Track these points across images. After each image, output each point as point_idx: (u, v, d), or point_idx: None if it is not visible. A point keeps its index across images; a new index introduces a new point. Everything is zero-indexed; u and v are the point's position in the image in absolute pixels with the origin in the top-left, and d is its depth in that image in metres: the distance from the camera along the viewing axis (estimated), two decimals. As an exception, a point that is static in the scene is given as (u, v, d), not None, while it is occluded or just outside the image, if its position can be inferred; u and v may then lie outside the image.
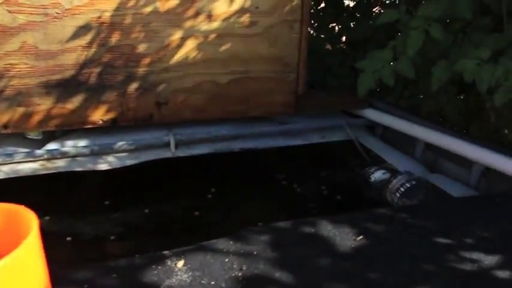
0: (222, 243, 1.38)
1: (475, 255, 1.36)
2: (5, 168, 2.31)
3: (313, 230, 1.43)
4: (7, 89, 2.25)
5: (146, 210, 2.29)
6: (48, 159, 2.37)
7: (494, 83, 2.00)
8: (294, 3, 2.44)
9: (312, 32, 3.33)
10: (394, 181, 2.15)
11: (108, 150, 2.40)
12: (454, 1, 2.15)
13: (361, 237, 1.40)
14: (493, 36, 2.13)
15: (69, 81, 2.30)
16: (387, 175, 2.44)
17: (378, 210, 1.58)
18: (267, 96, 2.54)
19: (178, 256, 1.35)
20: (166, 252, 1.38)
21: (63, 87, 2.30)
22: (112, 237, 2.09)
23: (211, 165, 2.58)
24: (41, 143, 2.46)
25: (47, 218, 2.19)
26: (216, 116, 2.53)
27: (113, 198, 2.40)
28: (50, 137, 2.50)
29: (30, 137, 2.50)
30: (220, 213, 2.25)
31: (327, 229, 1.44)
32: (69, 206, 2.33)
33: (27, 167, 2.33)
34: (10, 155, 2.32)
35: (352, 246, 1.37)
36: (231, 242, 1.37)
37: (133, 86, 2.38)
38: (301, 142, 2.62)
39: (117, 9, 2.25)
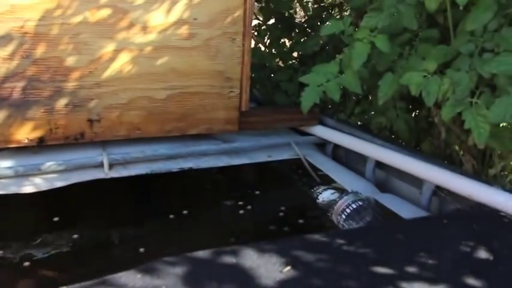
0: (128, 277, 1.16)
1: (417, 287, 1.18)
2: None
3: (235, 261, 1.22)
4: None
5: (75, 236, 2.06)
6: (-34, 182, 2.12)
7: (441, 97, 1.85)
8: (236, 14, 2.26)
9: (262, 48, 3.17)
10: (340, 202, 1.96)
11: (35, 172, 2.16)
12: (400, 12, 2.00)
13: (288, 268, 1.20)
14: (440, 48, 1.98)
15: (-12, 96, 2.07)
16: (335, 195, 2.25)
17: (312, 236, 1.38)
18: (208, 113, 2.34)
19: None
20: (64, 289, 1.16)
21: (-19, 103, 2.07)
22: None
23: (150, 186, 2.36)
24: (-39, 165, 2.22)
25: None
26: (154, 133, 2.31)
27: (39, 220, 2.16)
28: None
29: (-50, 157, 2.25)
30: (153, 238, 2.01)
31: (252, 259, 1.24)
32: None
33: None
34: None
35: (278, 279, 1.17)
36: (139, 276, 1.16)
37: (62, 102, 2.14)
38: (246, 161, 2.42)
39: (42, 18, 2.01)
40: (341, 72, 2.19)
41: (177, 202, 2.24)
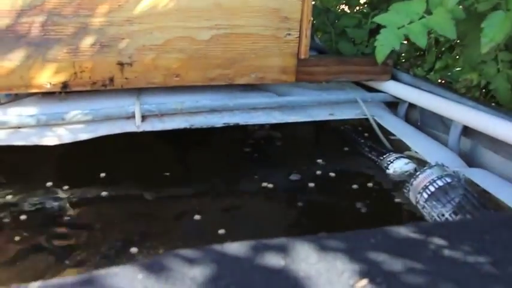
0: (125, 276, 0.78)
1: None
2: None
3: (282, 263, 0.81)
4: None
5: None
6: (-16, 130, 1.80)
7: None
8: None
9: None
10: (421, 176, 1.49)
11: (58, 121, 1.81)
12: None
13: (363, 283, 0.78)
14: None
15: (4, 33, 1.69)
16: (411, 166, 1.78)
17: (395, 229, 0.93)
18: (260, 59, 1.88)
19: None
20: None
21: (-2, 40, 1.71)
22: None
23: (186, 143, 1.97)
24: (-19, 111, 1.90)
25: None
26: (194, 81, 1.88)
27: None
28: (-8, 103, 1.94)
29: (-32, 102, 1.94)
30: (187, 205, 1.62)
31: (308, 262, 0.83)
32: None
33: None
34: None
35: (348, 302, 0.75)
36: (139, 277, 0.77)
37: (87, 41, 1.75)
38: (304, 118, 1.96)
39: None
40: (428, 11, 1.68)
41: (215, 167, 1.85)
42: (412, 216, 1.52)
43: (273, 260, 0.81)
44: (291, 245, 0.85)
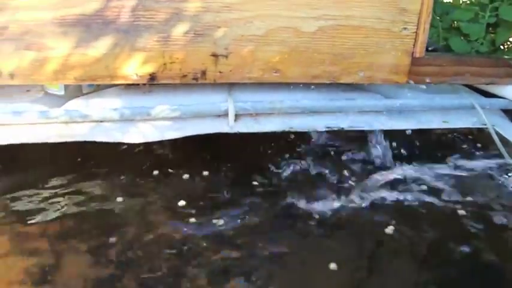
0: None
1: None
2: (10, 130, 1.62)
3: None
4: (12, 25, 1.52)
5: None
6: (65, 123, 1.65)
7: None
8: None
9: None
10: None
11: (143, 116, 1.63)
12: None
13: None
14: None
15: (92, 19, 1.52)
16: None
17: None
18: (370, 56, 1.62)
19: None
20: None
21: (84, 27, 1.51)
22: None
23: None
24: (63, 100, 1.75)
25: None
26: (296, 78, 1.65)
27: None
28: (75, 93, 1.79)
29: (50, 91, 1.79)
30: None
31: None
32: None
33: (37, 131, 1.63)
34: (18, 113, 1.63)
35: None
36: None
37: (180, 29, 1.56)
38: (414, 126, 1.71)
39: None
40: None
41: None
42: None
43: None
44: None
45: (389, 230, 1.41)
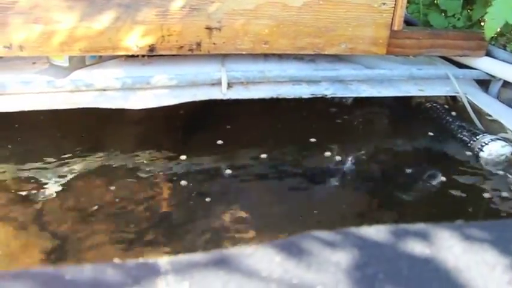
0: (263, 256, 0.71)
1: None
2: (20, 98, 1.75)
3: (428, 252, 0.73)
4: (21, 0, 1.65)
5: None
6: (71, 91, 1.78)
7: None
8: None
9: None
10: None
11: (143, 85, 1.77)
12: None
13: None
14: None
15: (96, -7, 1.66)
16: (508, 149, 1.66)
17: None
18: (352, 29, 1.76)
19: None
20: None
21: (88, 1, 1.64)
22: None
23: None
24: (67, 72, 1.88)
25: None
26: (283, 49, 1.79)
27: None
28: (79, 64, 1.91)
29: (55, 63, 1.92)
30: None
31: (453, 252, 0.74)
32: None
33: (46, 99, 1.76)
34: (27, 83, 1.76)
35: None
36: (277, 259, 0.71)
37: (177, 4, 1.68)
38: (393, 93, 1.85)
39: None
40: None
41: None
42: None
43: (417, 247, 0.73)
44: (433, 232, 0.77)
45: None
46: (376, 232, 0.75)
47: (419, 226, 0.78)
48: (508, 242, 0.77)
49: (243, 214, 1.34)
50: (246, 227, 1.29)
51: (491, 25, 1.57)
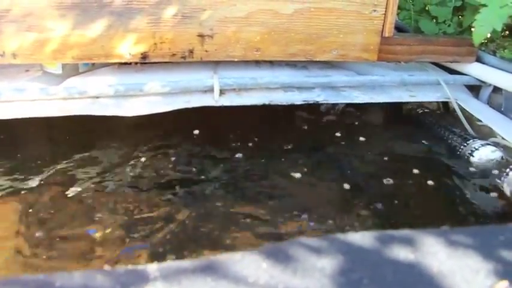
0: (250, 263, 0.73)
1: None
2: (13, 106, 1.76)
3: (412, 257, 0.74)
4: (14, 8, 1.66)
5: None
6: (64, 99, 1.79)
7: None
8: None
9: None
10: (520, 166, 1.40)
11: (136, 92, 1.78)
12: None
13: (505, 285, 0.71)
14: None
15: (88, 2, 1.66)
16: (497, 154, 1.69)
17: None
18: (343, 36, 1.78)
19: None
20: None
21: (80, 10, 1.66)
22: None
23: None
24: (60, 79, 1.90)
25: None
26: (275, 56, 1.81)
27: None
28: (72, 72, 1.93)
29: (48, 70, 1.94)
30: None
31: (438, 258, 0.76)
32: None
33: (39, 107, 1.77)
34: (20, 90, 1.77)
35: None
36: (264, 265, 0.72)
37: (169, 12, 1.71)
38: (385, 99, 1.86)
39: None
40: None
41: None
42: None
43: (402, 253, 0.75)
44: (418, 238, 0.78)
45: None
46: (362, 238, 0.76)
47: (405, 232, 0.79)
48: (491, 248, 0.78)
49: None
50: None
51: (480, 32, 1.59)
